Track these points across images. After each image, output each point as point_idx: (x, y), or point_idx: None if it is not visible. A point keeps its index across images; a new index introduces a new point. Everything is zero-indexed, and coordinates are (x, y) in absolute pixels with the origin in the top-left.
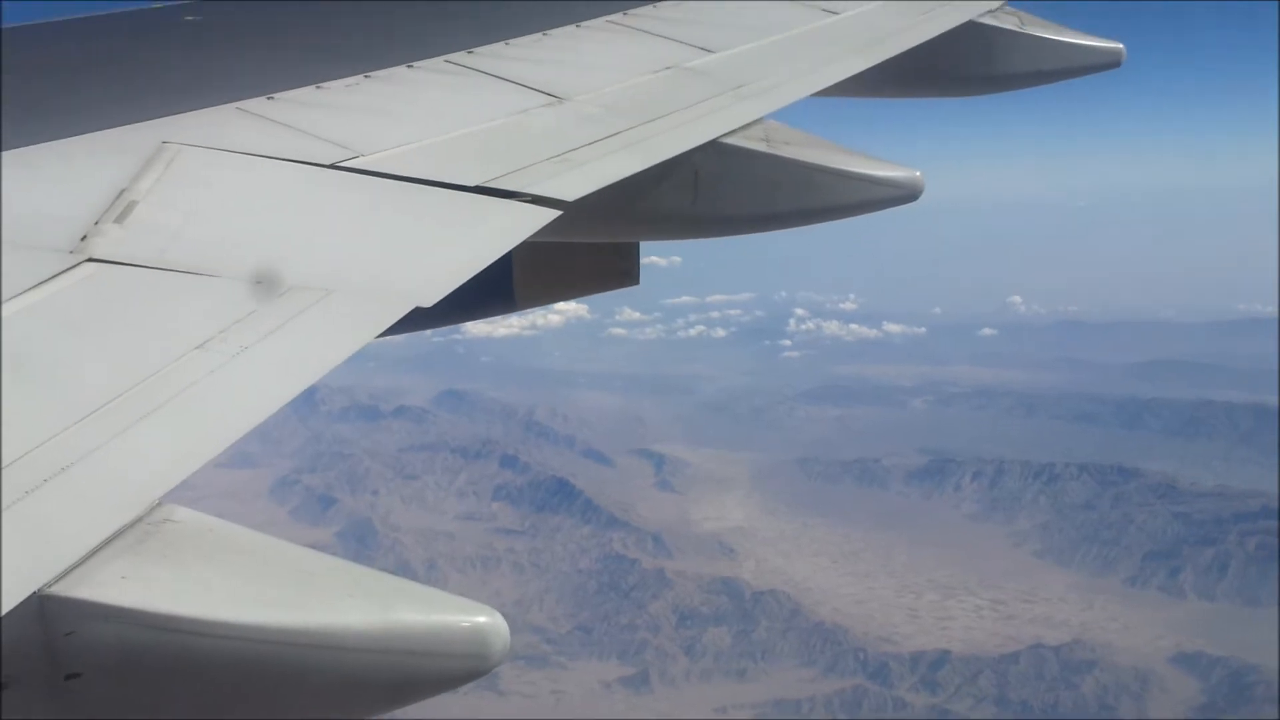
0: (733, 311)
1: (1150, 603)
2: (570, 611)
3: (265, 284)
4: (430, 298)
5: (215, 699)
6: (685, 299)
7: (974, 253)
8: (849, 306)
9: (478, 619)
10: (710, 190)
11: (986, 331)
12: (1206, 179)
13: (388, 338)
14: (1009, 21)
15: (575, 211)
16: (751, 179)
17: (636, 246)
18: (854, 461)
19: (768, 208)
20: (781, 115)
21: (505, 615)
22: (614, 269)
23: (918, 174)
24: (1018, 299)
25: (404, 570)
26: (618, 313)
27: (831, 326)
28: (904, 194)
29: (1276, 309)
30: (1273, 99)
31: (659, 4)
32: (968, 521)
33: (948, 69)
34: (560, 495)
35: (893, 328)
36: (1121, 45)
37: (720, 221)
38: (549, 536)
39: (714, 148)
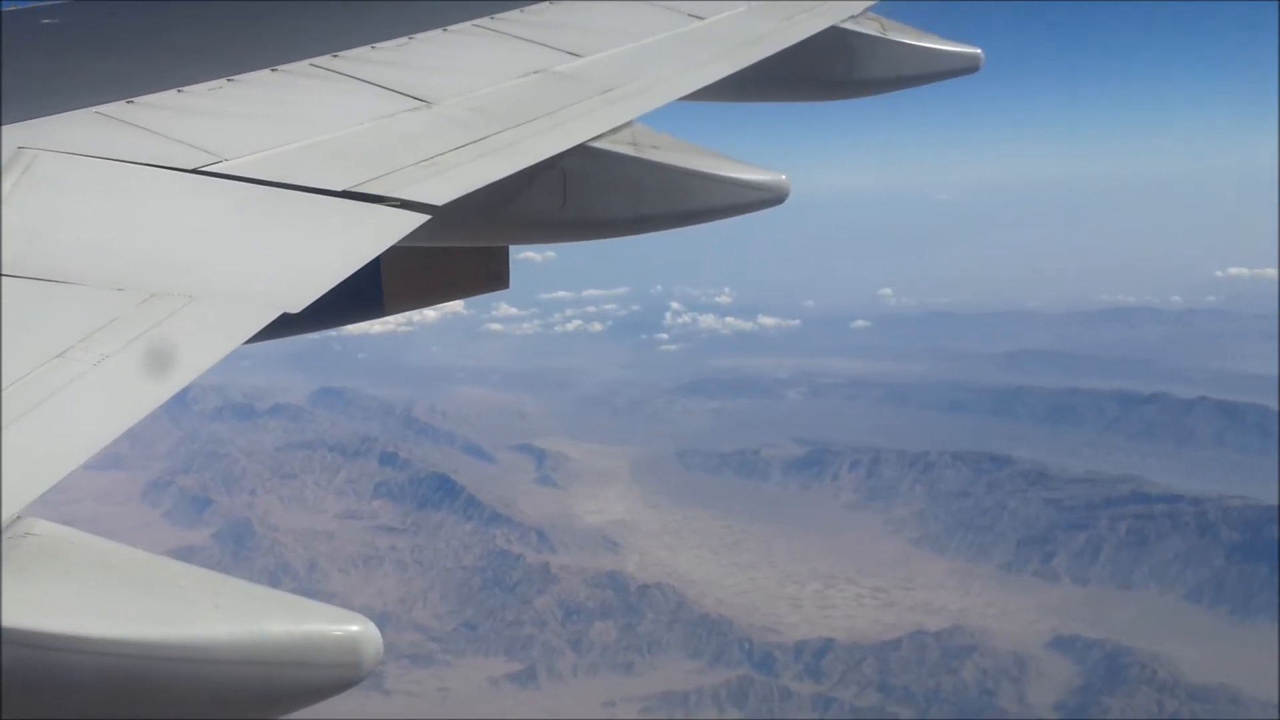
0: (609, 306)
1: (1025, 587)
2: (455, 609)
3: (128, 291)
4: (298, 303)
5: (81, 717)
6: (561, 294)
7: (845, 247)
8: (724, 300)
9: (349, 627)
10: (579, 194)
11: (859, 323)
12: (1065, 173)
13: (257, 343)
14: (871, 27)
15: (444, 216)
16: (620, 183)
17: (506, 250)
18: (733, 453)
19: (636, 211)
20: (649, 119)
21: (388, 614)
22: (484, 273)
23: (784, 177)
24: (888, 292)
25: (285, 571)
26: (494, 308)
27: (707, 320)
28: (771, 197)
29: (1137, 299)
30: (1130, 96)
31: (526, 8)
32: (846, 511)
33: (812, 74)
34: (441, 492)
35: (767, 321)
36: (979, 50)
37: (590, 225)
38: (431, 534)
39: (582, 152)
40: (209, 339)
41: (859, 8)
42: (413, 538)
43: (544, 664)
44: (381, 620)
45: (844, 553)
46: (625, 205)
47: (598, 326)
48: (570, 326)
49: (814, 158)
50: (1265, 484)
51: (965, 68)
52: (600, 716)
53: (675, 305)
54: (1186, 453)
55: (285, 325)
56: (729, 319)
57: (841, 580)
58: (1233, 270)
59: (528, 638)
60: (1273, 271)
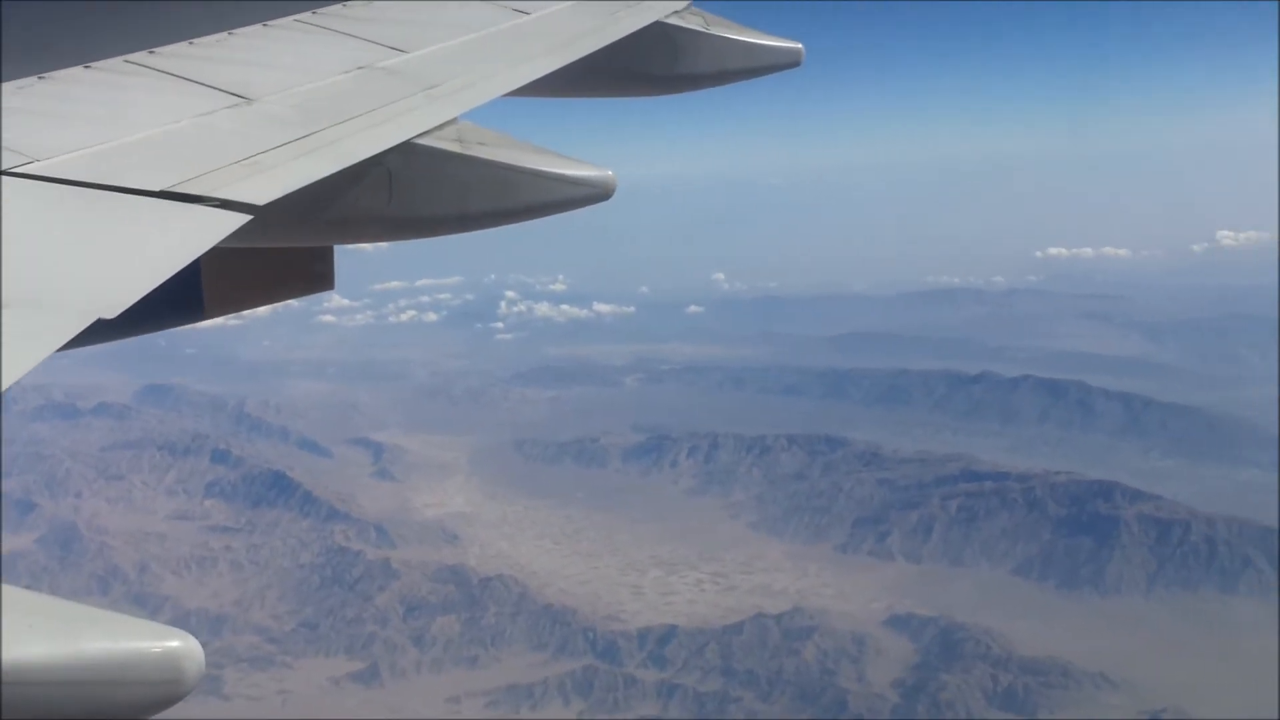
0: (442, 295)
1: (862, 567)
2: (293, 608)
3: None
4: (114, 308)
5: None
6: (394, 284)
7: (677, 233)
8: (558, 288)
9: (169, 643)
10: (405, 192)
11: (693, 309)
12: (889, 159)
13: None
14: (694, 22)
15: (266, 216)
16: (446, 180)
17: (331, 250)
18: (571, 441)
19: (463, 208)
20: (475, 115)
21: (224, 616)
22: (309, 273)
23: (610, 173)
24: (721, 276)
25: (114, 575)
26: (326, 300)
27: (542, 308)
28: (597, 193)
29: (960, 280)
30: (948, 84)
31: (349, 3)
32: (685, 496)
33: (636, 69)
34: (276, 489)
35: (602, 308)
36: (800, 45)
37: (417, 223)
38: (267, 532)
39: (407, 149)
40: (21, 347)
41: (682, 4)
42: (248, 537)
43: (386, 661)
44: (218, 622)
45: (684, 539)
46: (452, 203)
47: (432, 316)
48: (404, 317)
49: (645, 144)
50: (1087, 459)
51: (787, 62)
52: (445, 712)
53: (510, 294)
54: (1012, 430)
55: (102, 330)
56: (564, 307)
57: (682, 566)
58: (1051, 250)
59: (369, 635)
60: (1089, 251)
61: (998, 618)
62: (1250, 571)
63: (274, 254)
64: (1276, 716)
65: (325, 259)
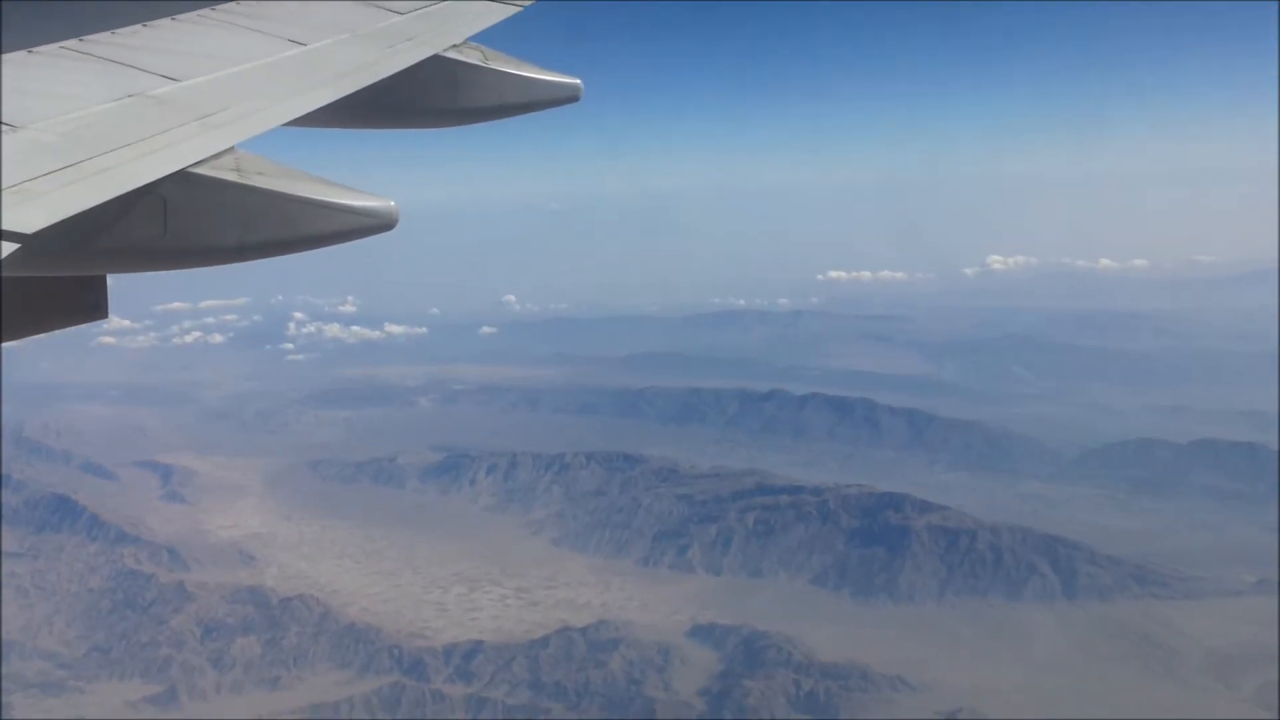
0: (228, 317)
1: (663, 580)
2: (84, 633)
3: None
4: None
5: None
6: (177, 305)
7: (465, 256)
8: (348, 309)
9: None
10: (181, 222)
11: (485, 330)
12: (670, 185)
13: None
14: (473, 56)
15: (34, 245)
16: (224, 210)
17: (104, 279)
18: (368, 462)
19: (242, 238)
20: (253, 145)
21: (12, 643)
22: (80, 303)
23: (392, 204)
24: (512, 298)
25: None
26: (105, 321)
27: (333, 329)
28: (379, 223)
29: (746, 302)
30: (725, 113)
31: (116, 31)
32: (486, 514)
33: (416, 102)
34: (61, 513)
35: (394, 329)
36: (579, 81)
37: (193, 253)
38: (53, 557)
39: (183, 178)
40: None
41: (459, 40)
42: (32, 562)
43: (184, 684)
44: (5, 649)
45: (486, 555)
46: (230, 232)
47: (218, 338)
48: (189, 339)
49: (428, 171)
50: (876, 472)
51: (566, 97)
52: None
53: (298, 315)
54: (803, 446)
55: None
56: (355, 328)
57: (485, 583)
58: (832, 273)
59: (165, 658)
60: (868, 274)
61: (798, 625)
62: (1035, 578)
63: (43, 283)
64: (1063, 717)
65: (98, 288)
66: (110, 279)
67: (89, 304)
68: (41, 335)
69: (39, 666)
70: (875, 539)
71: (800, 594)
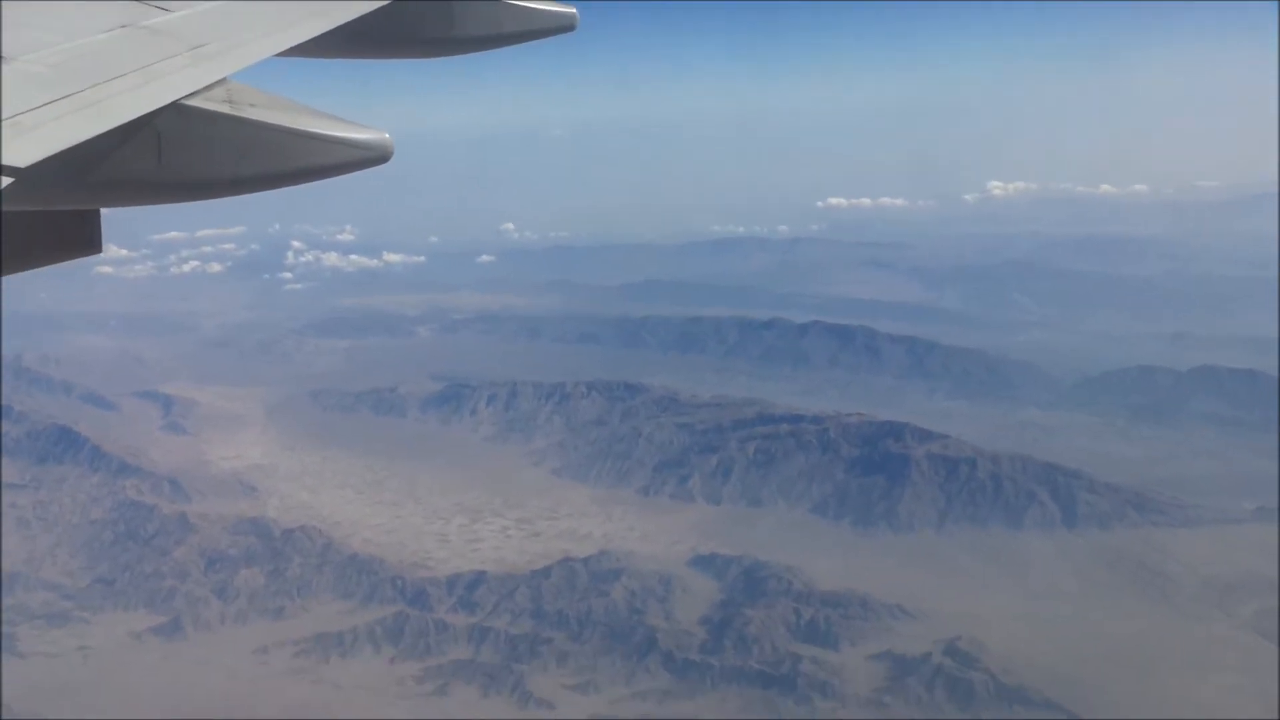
0: (226, 246)
1: (664, 510)
2: (87, 564)
3: None
4: None
5: None
6: (174, 234)
7: (463, 183)
8: (346, 238)
9: None
10: (175, 154)
11: (484, 258)
12: (667, 113)
13: None
14: None
15: (27, 179)
16: (217, 142)
17: (97, 213)
18: (368, 392)
19: (235, 171)
20: (245, 76)
21: (15, 574)
22: (74, 238)
23: (386, 136)
24: (510, 226)
25: None
26: (103, 250)
27: (331, 258)
28: (373, 156)
29: (746, 230)
30: (720, 41)
31: None
32: (487, 444)
33: (410, 32)
34: (63, 444)
35: (393, 257)
36: (574, 10)
37: (187, 186)
38: (55, 488)
39: (176, 110)
40: None
41: None
42: (34, 493)
43: (189, 615)
44: (9, 581)
45: (488, 486)
46: (224, 165)
47: (216, 267)
48: (187, 268)
49: (425, 97)
50: (876, 401)
51: (562, 26)
52: (253, 664)
53: (296, 244)
54: (803, 374)
55: None
56: (353, 257)
57: (487, 513)
58: (832, 200)
59: (169, 589)
60: (868, 201)
61: (798, 554)
62: (1034, 506)
63: (36, 217)
64: (1062, 644)
65: (92, 222)
66: (105, 210)
67: (83, 238)
68: (37, 269)
69: (43, 598)
70: (875, 468)
71: (800, 523)
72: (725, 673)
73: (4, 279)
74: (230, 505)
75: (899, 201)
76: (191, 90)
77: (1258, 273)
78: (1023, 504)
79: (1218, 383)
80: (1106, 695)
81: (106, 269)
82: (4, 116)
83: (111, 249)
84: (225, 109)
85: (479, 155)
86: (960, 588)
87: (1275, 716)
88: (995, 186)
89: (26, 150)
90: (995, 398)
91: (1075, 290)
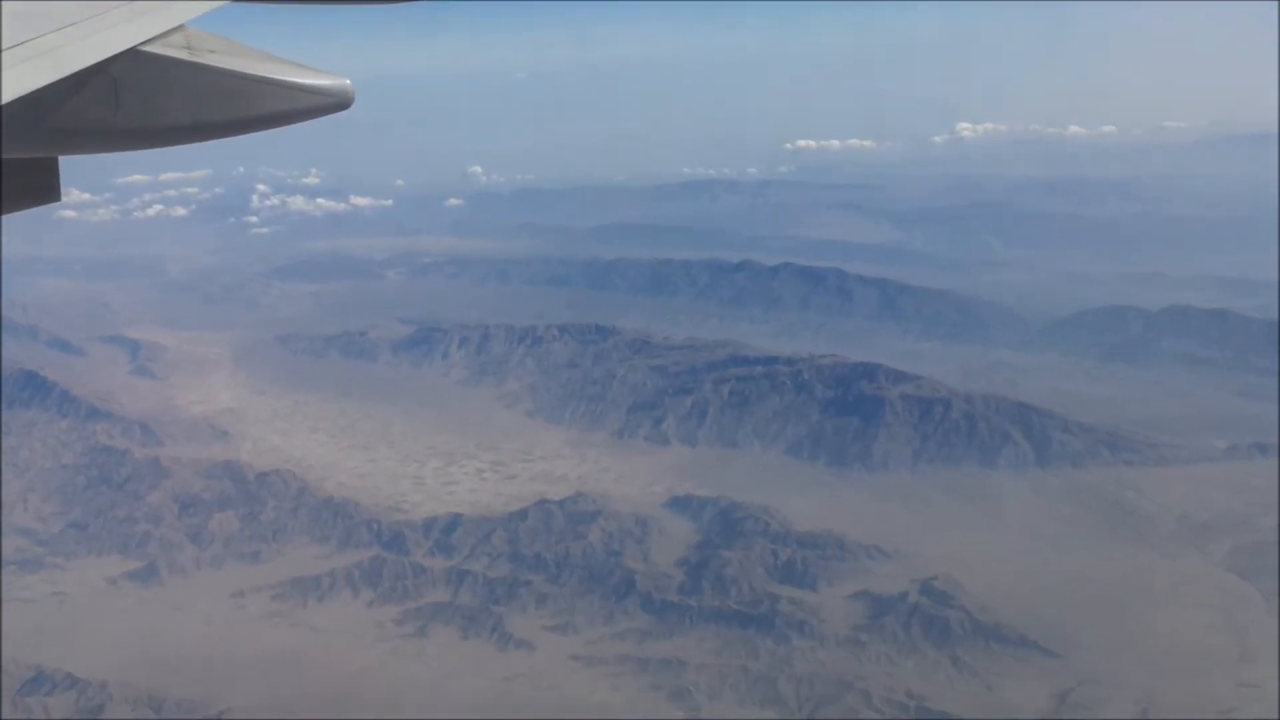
0: (190, 189)
1: (639, 452)
2: (60, 510)
3: None
4: None
5: None
6: (137, 178)
7: (428, 126)
8: (311, 181)
9: None
10: (133, 102)
11: (452, 202)
12: (634, 54)
13: None
14: None
15: None
16: (176, 89)
17: (55, 162)
18: (338, 335)
19: (195, 118)
20: (204, 23)
21: None
22: (31, 186)
23: (346, 82)
24: (478, 169)
25: None
26: (64, 194)
27: (297, 202)
28: (334, 102)
29: (715, 172)
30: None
31: None
32: (459, 387)
33: None
34: (31, 389)
35: (360, 201)
36: None
37: (146, 134)
38: (24, 434)
39: (133, 57)
40: None
41: None
42: (3, 439)
43: (164, 560)
44: None
45: (461, 429)
46: (183, 112)
47: (180, 211)
48: (151, 212)
49: (384, 39)
50: (849, 342)
51: None
52: (230, 607)
53: (261, 187)
54: (775, 316)
55: None
56: (320, 200)
57: (461, 456)
58: (801, 142)
59: (143, 534)
60: (836, 143)
61: (773, 496)
62: (1008, 446)
63: None
64: (1037, 582)
65: (50, 170)
66: (65, 157)
67: (41, 186)
68: None
69: (16, 544)
70: (849, 409)
71: (775, 464)
72: (703, 613)
73: None
74: (202, 450)
75: (867, 143)
76: (148, 37)
77: (1227, 213)
78: (997, 444)
79: (1188, 322)
80: (1082, 632)
81: (70, 213)
82: None
83: (74, 193)
84: (184, 55)
85: (443, 99)
86: (936, 527)
87: (1246, 654)
88: (964, 128)
89: None
90: (967, 339)
91: (1045, 231)
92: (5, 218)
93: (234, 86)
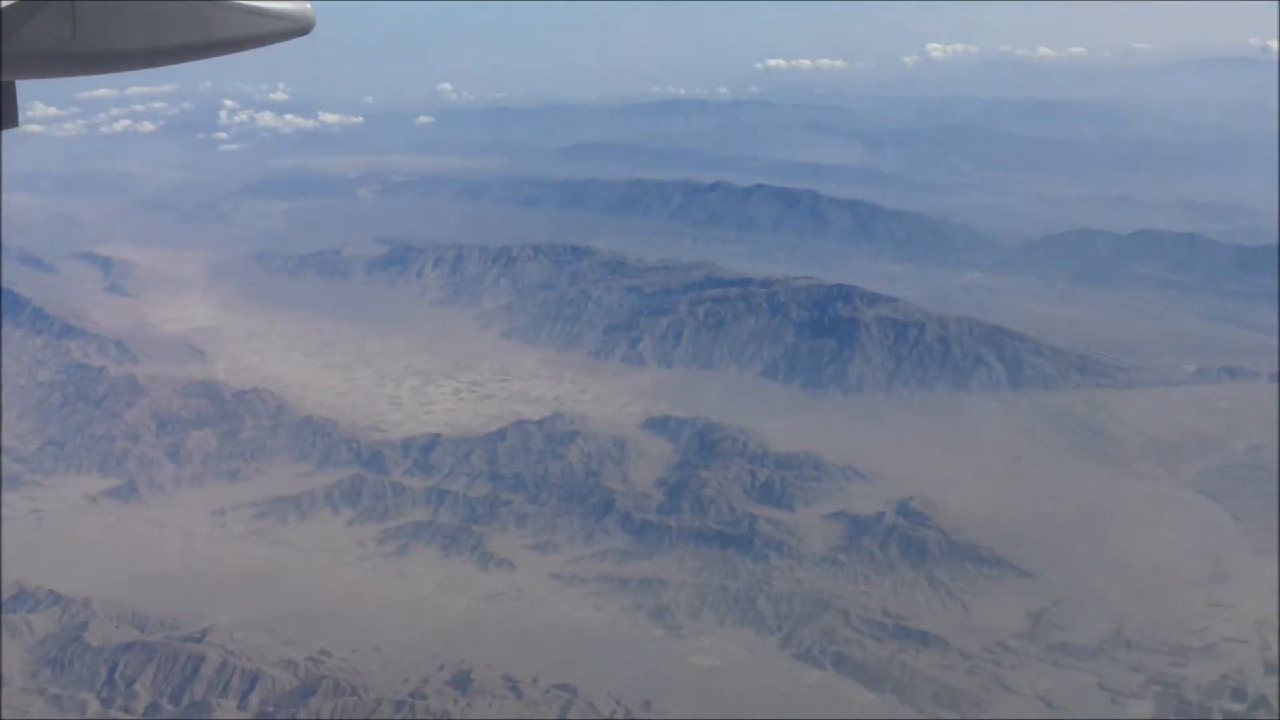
0: (157, 104)
1: (616, 372)
2: (36, 427)
3: None
4: None
5: None
6: (103, 91)
7: (396, 43)
8: (280, 97)
9: None
10: (90, 26)
11: (423, 119)
12: None
13: None
14: None
15: None
16: (133, 14)
17: (13, 86)
18: (312, 254)
19: (153, 43)
20: None
21: None
22: None
23: (308, 6)
24: (448, 87)
25: None
26: (28, 108)
27: (265, 118)
28: (295, 27)
29: (686, 91)
30: None
31: None
32: (435, 307)
33: None
34: (3, 305)
35: (329, 118)
36: None
37: (103, 59)
38: None
39: None
40: None
41: None
42: None
43: (143, 477)
44: None
45: (437, 349)
46: (141, 37)
47: (148, 126)
48: (118, 127)
49: None
50: (822, 264)
51: None
52: (211, 525)
53: (229, 103)
54: (749, 237)
55: None
56: (288, 116)
57: (438, 376)
58: (771, 62)
59: (121, 452)
60: (807, 62)
61: (750, 417)
62: (981, 368)
63: None
64: (1009, 503)
65: (7, 96)
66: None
67: None
68: None
69: None
70: (824, 331)
71: (751, 386)
72: (683, 533)
73: None
74: (179, 368)
75: (838, 63)
76: None
77: (1195, 137)
78: (969, 366)
79: (1158, 246)
80: (1055, 552)
81: (35, 128)
82: None
83: (39, 107)
84: None
85: (410, 14)
86: (910, 449)
87: (1216, 574)
88: (934, 49)
89: None
90: (939, 261)
91: (1014, 153)
92: None
93: (193, 12)
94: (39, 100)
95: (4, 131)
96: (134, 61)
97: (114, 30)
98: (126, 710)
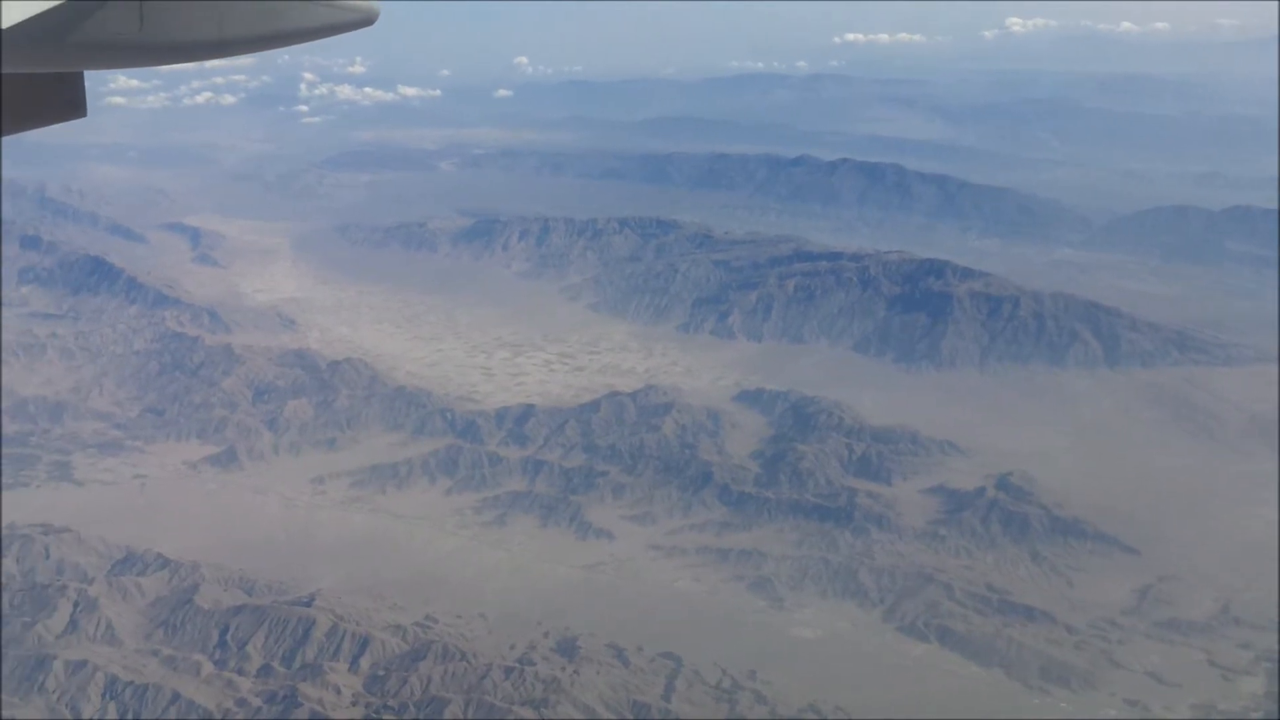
0: (237, 77)
1: (705, 345)
2: (135, 394)
3: None
4: None
5: None
6: (183, 65)
7: (472, 16)
8: (358, 70)
9: None
10: (157, 17)
11: (501, 93)
12: None
13: None
14: None
15: (10, 41)
16: (200, 5)
17: (81, 77)
18: (397, 226)
19: (219, 34)
20: None
21: (63, 403)
22: (57, 101)
23: (375, 4)
24: (524, 60)
25: None
26: (111, 80)
27: (345, 91)
28: (359, 19)
29: (765, 65)
30: None
31: None
32: (521, 279)
33: None
34: (97, 275)
35: (408, 91)
36: None
37: (170, 49)
38: (93, 319)
39: None
40: None
41: None
42: (74, 324)
43: (243, 445)
44: (57, 409)
45: (526, 321)
46: (207, 28)
47: (230, 99)
48: (200, 99)
49: None
50: (910, 239)
51: None
52: (310, 493)
53: (308, 76)
54: (834, 211)
55: None
56: (368, 89)
57: (528, 348)
58: (849, 36)
59: (220, 420)
60: (885, 36)
61: (843, 391)
62: (1077, 344)
63: (20, 81)
64: (1111, 478)
65: (74, 85)
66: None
67: (66, 101)
68: (17, 134)
69: (94, 427)
70: (916, 305)
71: (843, 360)
72: (781, 506)
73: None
74: (271, 337)
75: (916, 37)
76: None
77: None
78: (1065, 342)
79: (1251, 223)
80: (1158, 529)
81: (119, 99)
82: None
83: (120, 79)
84: None
85: None
86: (1007, 424)
87: None
88: (1014, 23)
89: (9, 12)
90: (1027, 236)
91: (1099, 128)
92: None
93: (259, 4)
94: (120, 73)
95: (88, 102)
96: (201, 52)
97: (181, 22)
98: (240, 672)
